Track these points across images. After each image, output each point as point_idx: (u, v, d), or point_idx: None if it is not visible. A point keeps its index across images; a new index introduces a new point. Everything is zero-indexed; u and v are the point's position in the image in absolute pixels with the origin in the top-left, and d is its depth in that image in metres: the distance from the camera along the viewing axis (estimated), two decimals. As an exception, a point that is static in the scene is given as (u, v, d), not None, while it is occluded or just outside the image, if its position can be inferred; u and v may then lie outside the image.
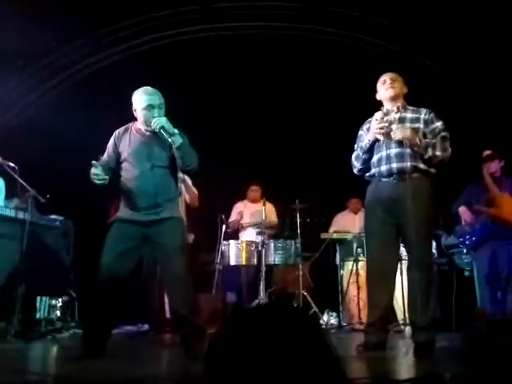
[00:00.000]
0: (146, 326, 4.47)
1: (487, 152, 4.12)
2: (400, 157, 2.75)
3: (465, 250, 4.28)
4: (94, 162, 2.67)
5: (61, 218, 4.51)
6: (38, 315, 3.97)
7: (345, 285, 4.82)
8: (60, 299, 4.17)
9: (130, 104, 2.82)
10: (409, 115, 2.87)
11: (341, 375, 0.85)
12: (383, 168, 2.80)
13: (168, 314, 4.09)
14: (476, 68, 5.11)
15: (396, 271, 2.84)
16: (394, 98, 2.92)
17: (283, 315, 0.87)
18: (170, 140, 2.65)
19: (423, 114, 2.86)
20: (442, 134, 2.80)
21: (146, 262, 3.90)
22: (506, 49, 4.69)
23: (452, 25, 4.82)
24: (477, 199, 4.16)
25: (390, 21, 4.99)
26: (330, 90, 5.44)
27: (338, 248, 5.14)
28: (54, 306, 4.16)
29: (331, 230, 5.37)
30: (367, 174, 2.94)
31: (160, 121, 2.66)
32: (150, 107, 2.72)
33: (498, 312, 3.96)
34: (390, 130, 2.80)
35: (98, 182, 2.65)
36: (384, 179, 2.81)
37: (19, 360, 2.76)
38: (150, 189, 2.71)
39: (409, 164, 2.72)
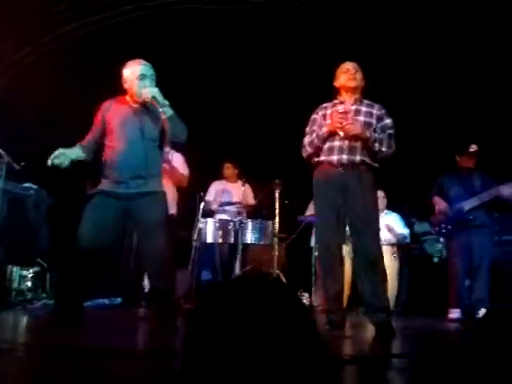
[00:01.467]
0: (118, 300, 4.46)
1: (474, 147, 4.18)
2: (352, 149, 2.87)
3: (441, 238, 4.37)
4: (79, 144, 2.71)
5: (35, 186, 4.41)
6: (8, 285, 3.91)
7: (318, 267, 4.89)
8: (31, 270, 4.11)
9: (113, 72, 2.77)
10: (364, 109, 2.98)
11: (321, 348, 0.86)
12: (334, 157, 2.89)
13: (146, 288, 4.08)
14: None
15: (342, 255, 2.94)
16: (354, 90, 3.01)
17: (260, 287, 0.86)
18: (160, 110, 2.65)
19: (376, 109, 2.99)
20: (389, 131, 2.96)
21: (127, 235, 3.86)
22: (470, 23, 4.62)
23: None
24: (451, 189, 4.25)
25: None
26: (309, 66, 5.36)
27: (313, 231, 5.20)
28: (25, 277, 4.10)
29: (307, 212, 5.41)
30: (316, 159, 3.01)
31: (152, 90, 2.67)
32: (142, 76, 2.72)
33: (466, 298, 4.09)
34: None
35: (58, 164, 2.60)
36: (333, 167, 2.90)
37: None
38: (138, 160, 2.69)
39: (358, 157, 2.87)
